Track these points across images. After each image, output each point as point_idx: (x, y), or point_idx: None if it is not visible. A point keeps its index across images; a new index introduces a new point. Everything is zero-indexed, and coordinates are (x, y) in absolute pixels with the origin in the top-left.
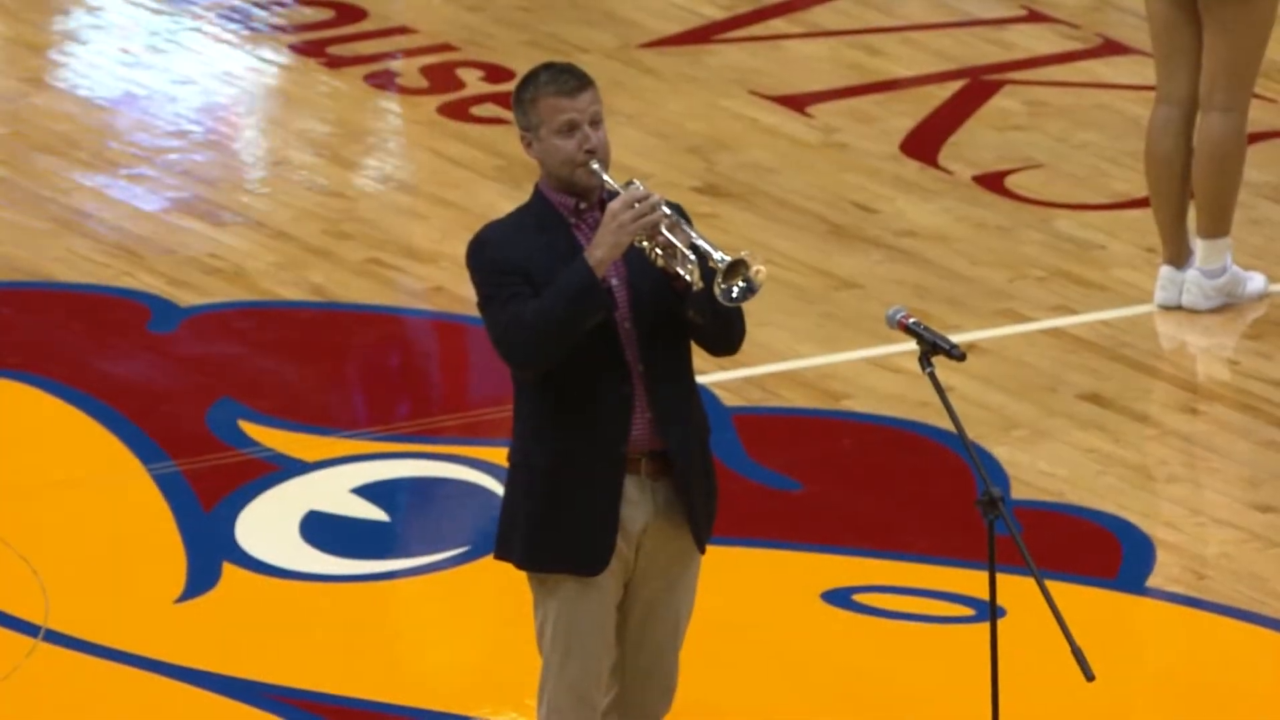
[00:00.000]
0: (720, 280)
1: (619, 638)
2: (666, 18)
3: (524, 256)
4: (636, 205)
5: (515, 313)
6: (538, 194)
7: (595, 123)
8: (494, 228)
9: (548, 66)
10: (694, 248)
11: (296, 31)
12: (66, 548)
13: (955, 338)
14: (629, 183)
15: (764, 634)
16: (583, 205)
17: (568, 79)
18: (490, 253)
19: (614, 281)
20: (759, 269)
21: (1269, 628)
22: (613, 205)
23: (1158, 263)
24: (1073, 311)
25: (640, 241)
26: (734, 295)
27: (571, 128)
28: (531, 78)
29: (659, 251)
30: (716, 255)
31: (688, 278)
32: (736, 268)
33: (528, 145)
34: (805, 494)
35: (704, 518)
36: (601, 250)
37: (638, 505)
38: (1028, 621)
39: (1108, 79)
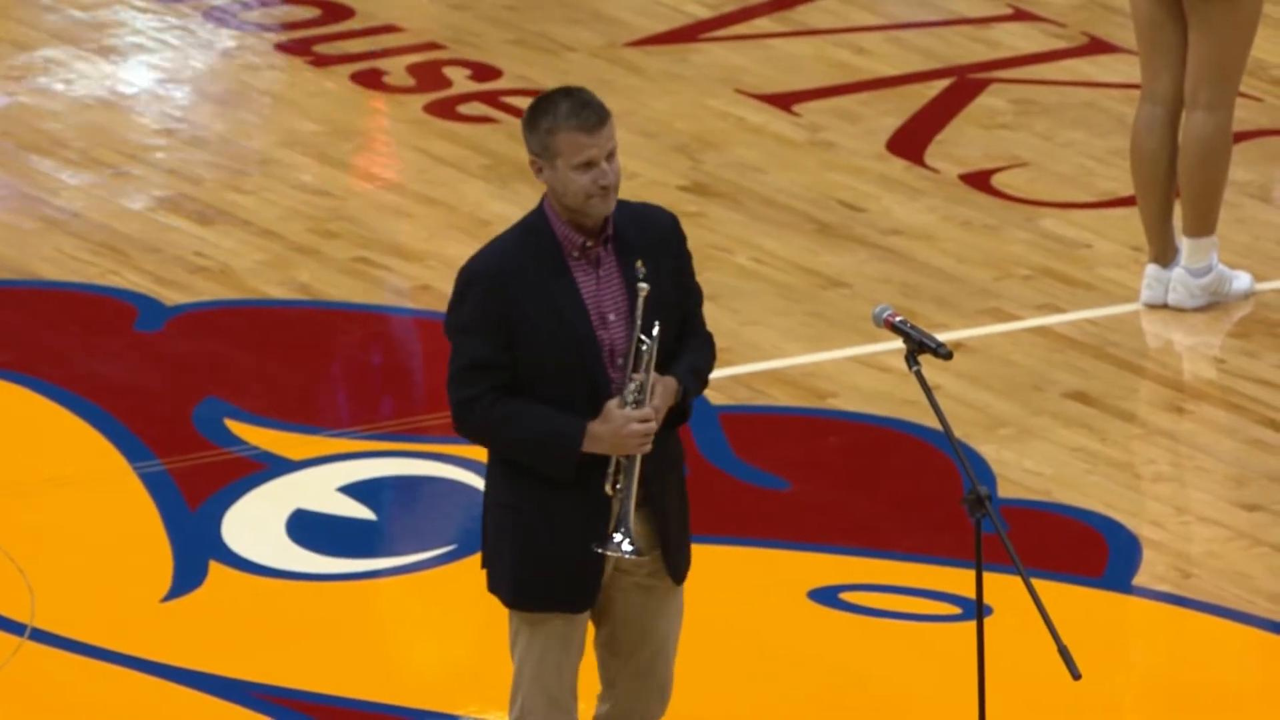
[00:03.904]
0: (623, 530)
1: (613, 648)
2: (653, 16)
3: (514, 302)
4: (643, 433)
5: (487, 402)
6: (544, 221)
7: (610, 156)
8: (491, 260)
9: (567, 94)
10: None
11: (283, 30)
12: (53, 546)
13: (942, 336)
14: (651, 329)
15: (750, 632)
16: (589, 244)
17: (589, 114)
18: (482, 291)
19: (611, 317)
20: (628, 550)
21: (1255, 626)
22: (630, 414)
23: (1144, 261)
24: (1059, 310)
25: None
26: (616, 540)
27: (590, 164)
28: (550, 106)
29: (620, 477)
30: (619, 534)
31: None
32: (620, 541)
33: (538, 170)
34: (792, 493)
35: (678, 548)
36: (600, 449)
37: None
38: (1014, 620)
39: (1094, 77)
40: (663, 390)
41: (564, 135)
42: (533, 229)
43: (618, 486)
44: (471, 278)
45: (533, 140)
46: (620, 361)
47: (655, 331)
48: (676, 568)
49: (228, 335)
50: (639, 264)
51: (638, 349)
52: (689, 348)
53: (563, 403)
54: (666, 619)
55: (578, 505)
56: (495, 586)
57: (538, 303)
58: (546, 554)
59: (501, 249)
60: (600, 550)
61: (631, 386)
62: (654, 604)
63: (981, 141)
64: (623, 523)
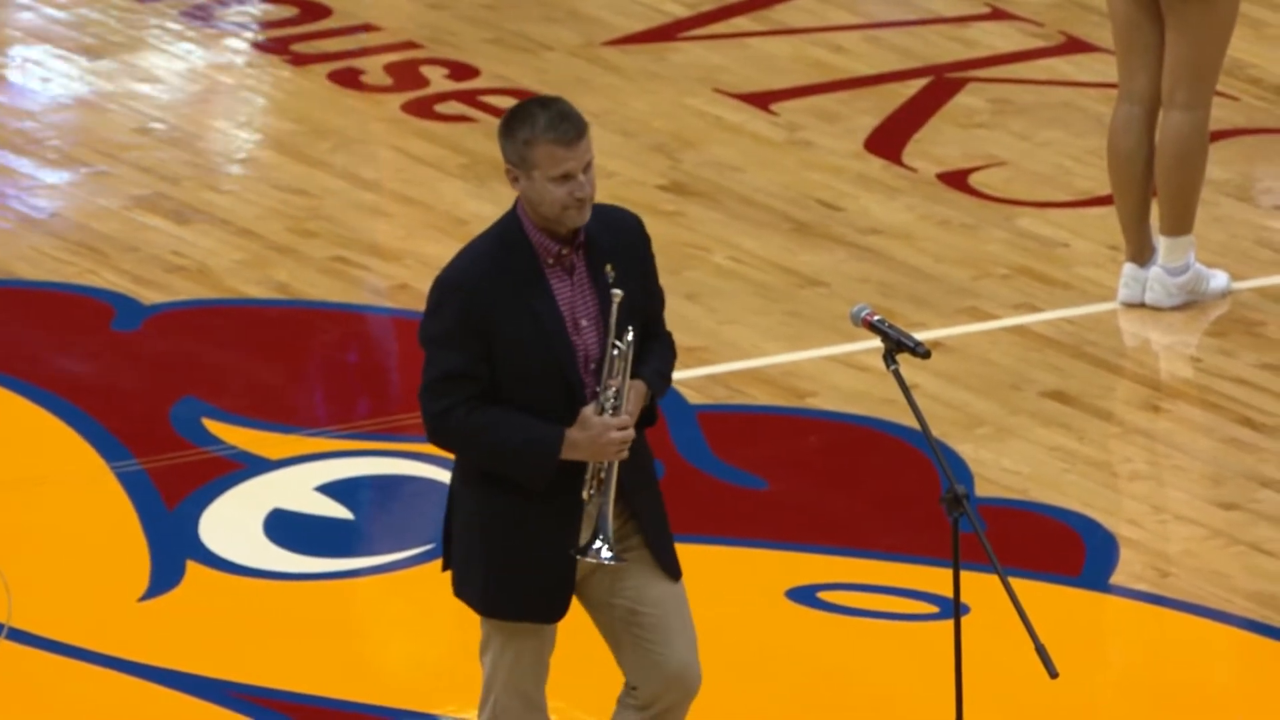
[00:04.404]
0: (602, 537)
1: (609, 637)
2: (631, 15)
3: (491, 312)
4: (622, 440)
5: (463, 412)
6: (519, 228)
7: (587, 168)
8: (467, 270)
9: (544, 106)
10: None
11: (260, 29)
12: (30, 546)
13: (919, 335)
14: (625, 335)
15: (728, 632)
16: (564, 251)
17: (568, 127)
18: (459, 302)
19: (584, 323)
20: (607, 557)
21: (1232, 625)
22: (609, 421)
23: (1121, 260)
24: (1036, 309)
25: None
26: (595, 547)
27: (567, 177)
28: (529, 117)
29: (599, 480)
30: (599, 541)
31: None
32: (600, 548)
33: (514, 180)
34: (770, 492)
35: (658, 543)
36: (579, 456)
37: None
38: (991, 619)
39: (1071, 77)
40: (635, 396)
41: (542, 148)
42: (507, 236)
43: (593, 493)
44: (448, 288)
45: (509, 150)
46: (593, 366)
47: (629, 337)
48: (663, 560)
49: (205, 334)
50: (609, 268)
51: (612, 355)
52: (652, 351)
53: (539, 408)
54: (650, 603)
55: (550, 512)
56: (464, 593)
57: (516, 311)
58: (520, 562)
59: (477, 258)
60: (581, 558)
61: (609, 393)
62: (629, 587)
63: (959, 141)
64: (601, 530)
